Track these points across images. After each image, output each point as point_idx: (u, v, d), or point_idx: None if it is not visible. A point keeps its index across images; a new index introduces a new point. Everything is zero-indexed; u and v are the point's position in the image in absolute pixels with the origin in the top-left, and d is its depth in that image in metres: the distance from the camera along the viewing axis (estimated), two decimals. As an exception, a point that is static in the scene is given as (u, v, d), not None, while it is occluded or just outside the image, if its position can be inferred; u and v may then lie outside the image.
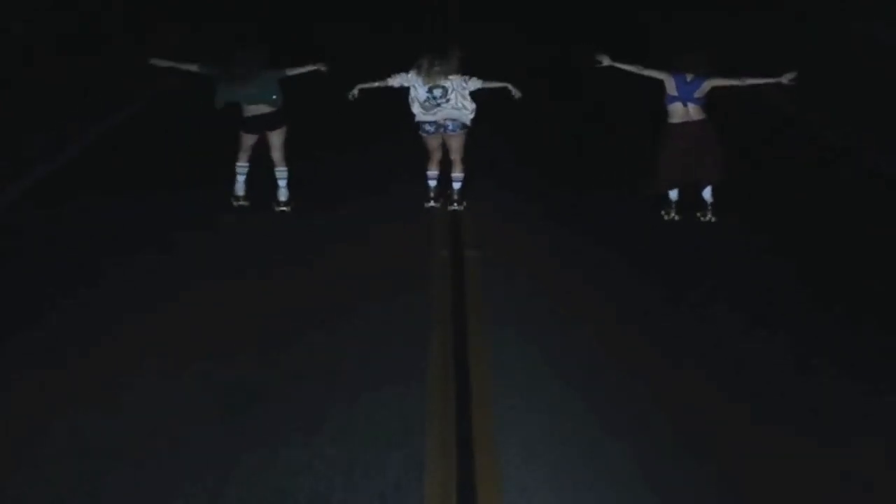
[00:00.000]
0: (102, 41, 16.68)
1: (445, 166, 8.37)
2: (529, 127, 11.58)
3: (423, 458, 4.68)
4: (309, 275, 6.96)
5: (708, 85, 7.72)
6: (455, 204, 8.39)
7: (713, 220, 8.04)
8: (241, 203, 8.22)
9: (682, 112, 7.76)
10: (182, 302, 6.46)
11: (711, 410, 5.18)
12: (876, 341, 6.03)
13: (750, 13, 19.30)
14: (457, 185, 8.38)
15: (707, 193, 8.05)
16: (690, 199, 8.09)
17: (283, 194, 8.29)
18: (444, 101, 7.95)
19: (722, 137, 7.94)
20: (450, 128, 8.08)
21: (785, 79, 7.86)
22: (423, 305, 6.46)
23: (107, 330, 6.03)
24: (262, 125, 8.02)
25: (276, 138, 8.09)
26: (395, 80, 7.99)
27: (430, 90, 7.92)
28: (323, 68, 8.16)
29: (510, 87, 8.22)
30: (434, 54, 7.97)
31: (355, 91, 8.11)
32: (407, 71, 7.98)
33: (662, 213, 8.10)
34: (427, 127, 8.09)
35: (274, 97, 7.95)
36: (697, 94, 7.73)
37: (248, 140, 8.09)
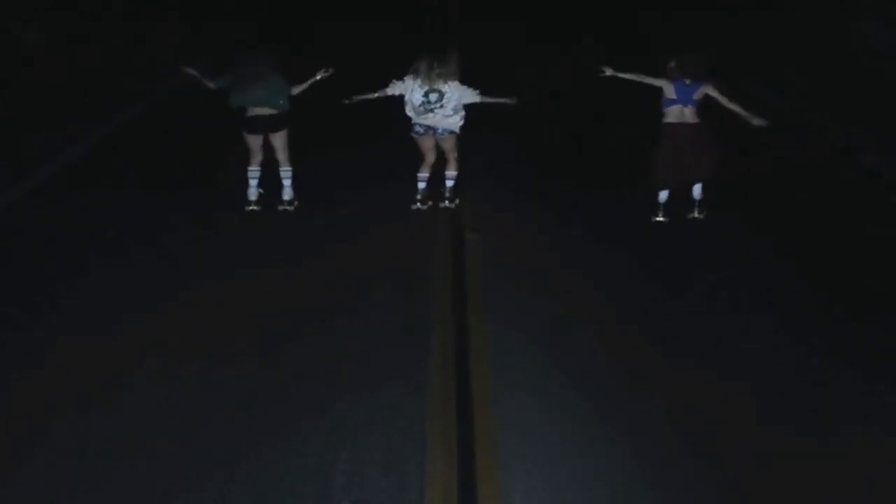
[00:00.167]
0: (103, 41, 16.69)
1: (438, 167, 8.35)
2: (529, 127, 11.59)
3: (423, 457, 4.68)
4: (309, 275, 6.96)
5: (703, 90, 7.82)
6: (447, 201, 8.41)
7: (702, 217, 8.10)
8: (253, 208, 8.20)
9: (678, 113, 7.82)
10: (182, 302, 6.46)
11: (711, 410, 5.17)
12: (876, 341, 6.02)
13: (749, 13, 19.29)
14: (450, 183, 8.40)
15: (697, 191, 8.10)
16: (682, 201, 8.10)
17: (287, 193, 8.31)
18: (438, 107, 7.94)
19: (717, 139, 7.95)
20: (439, 132, 8.09)
21: (755, 122, 7.90)
22: (424, 305, 6.46)
23: (107, 330, 6.03)
24: (264, 127, 8.01)
25: (279, 140, 8.10)
26: (393, 90, 7.98)
27: (426, 94, 7.91)
28: (326, 74, 8.11)
29: (508, 101, 8.25)
30: (433, 57, 7.96)
31: (354, 99, 8.08)
32: (402, 78, 7.96)
33: (652, 215, 8.12)
34: (418, 128, 8.09)
35: (281, 101, 7.95)
36: (696, 97, 7.80)
37: (254, 142, 8.07)
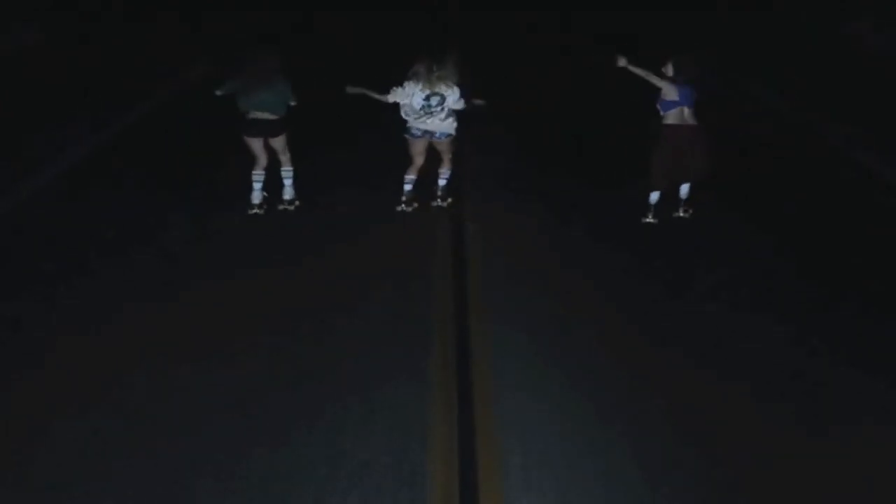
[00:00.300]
0: (103, 41, 16.70)
1: (427, 168, 8.34)
2: (529, 127, 11.61)
3: (424, 457, 4.68)
4: (309, 275, 6.96)
5: (695, 92, 7.86)
6: (440, 200, 8.42)
7: (687, 216, 8.15)
8: (256, 211, 8.19)
9: (679, 115, 7.80)
10: (182, 302, 6.45)
11: (711, 410, 5.18)
12: (876, 341, 6.03)
13: (747, 13, 19.33)
14: (442, 182, 8.42)
15: (684, 190, 8.15)
16: (669, 200, 8.13)
17: (287, 193, 8.32)
18: (439, 111, 7.93)
19: (712, 140, 7.95)
20: (437, 135, 8.08)
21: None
22: (424, 305, 6.46)
23: (107, 330, 6.03)
24: (263, 131, 8.00)
25: (279, 143, 8.10)
26: (394, 97, 7.92)
27: (427, 97, 7.89)
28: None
29: (482, 103, 8.36)
30: (432, 59, 7.95)
31: (355, 90, 8.08)
32: (402, 84, 7.91)
33: (642, 216, 8.13)
34: (415, 131, 8.05)
35: (285, 107, 7.93)
36: (694, 98, 7.80)
37: (255, 144, 8.05)
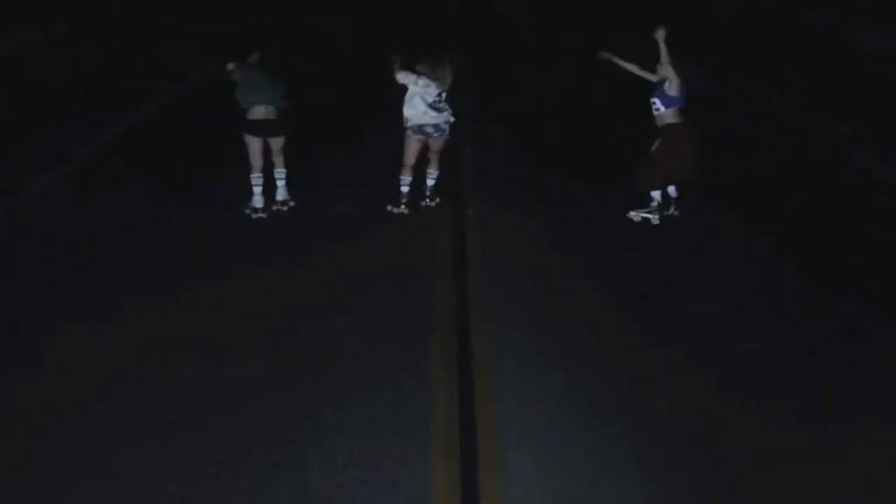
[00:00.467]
0: (102, 41, 16.71)
1: (419, 169, 8.38)
2: (530, 127, 11.61)
3: (425, 458, 4.68)
4: (309, 274, 6.96)
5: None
6: (428, 200, 8.45)
7: (678, 214, 8.20)
8: (261, 215, 8.19)
9: (680, 113, 7.78)
10: (182, 302, 6.46)
11: (711, 410, 5.18)
12: (876, 341, 6.03)
13: (749, 14, 19.33)
14: (431, 182, 8.45)
15: (673, 189, 8.17)
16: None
17: (281, 194, 8.32)
18: (444, 107, 7.97)
19: (705, 140, 7.97)
20: (438, 132, 8.07)
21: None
22: (424, 305, 6.46)
23: (107, 330, 6.03)
24: (265, 130, 7.98)
25: (277, 144, 8.09)
26: (406, 79, 7.93)
27: (439, 94, 7.93)
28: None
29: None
30: (434, 60, 7.95)
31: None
32: (416, 78, 7.94)
33: (644, 214, 8.13)
34: (428, 129, 8.04)
35: (282, 104, 7.92)
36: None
37: (255, 144, 8.04)
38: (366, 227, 7.96)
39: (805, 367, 5.69)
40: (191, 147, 10.24)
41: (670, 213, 8.22)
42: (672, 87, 7.68)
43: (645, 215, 8.11)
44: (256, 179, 8.15)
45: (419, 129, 8.04)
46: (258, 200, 8.20)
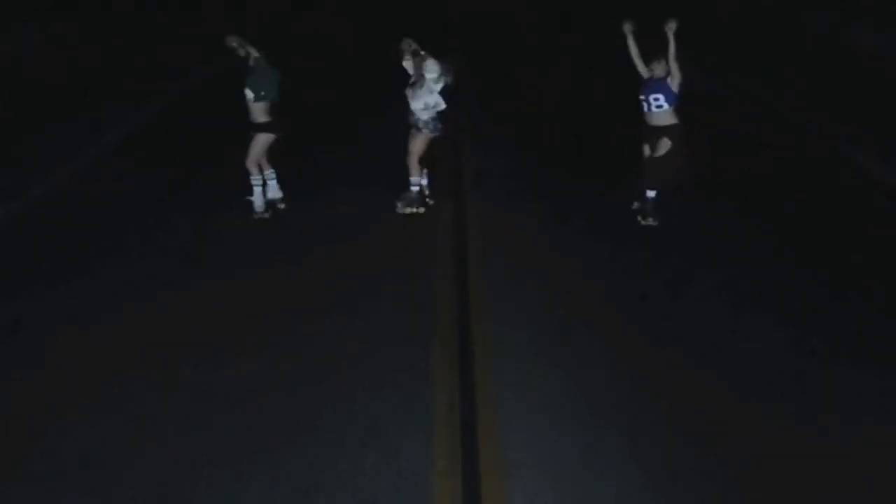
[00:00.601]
0: (102, 41, 16.71)
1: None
2: (530, 127, 11.61)
3: (426, 458, 4.68)
4: (309, 274, 6.96)
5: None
6: (428, 199, 8.45)
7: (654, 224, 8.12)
8: (265, 216, 8.20)
9: (676, 112, 7.78)
10: (182, 302, 6.46)
11: (711, 410, 5.18)
12: (876, 341, 6.03)
13: (749, 14, 19.33)
14: (425, 182, 8.47)
15: (653, 193, 8.09)
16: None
17: (273, 191, 8.32)
18: (425, 104, 8.04)
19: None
20: (423, 130, 8.09)
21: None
22: (424, 305, 6.46)
23: (107, 330, 6.04)
24: (276, 127, 7.97)
25: (276, 142, 8.09)
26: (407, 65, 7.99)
27: (445, 84, 8.00)
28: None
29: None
30: (416, 56, 7.98)
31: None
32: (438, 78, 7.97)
33: (639, 217, 8.11)
34: (439, 125, 8.08)
35: (272, 98, 7.91)
36: None
37: (268, 142, 8.04)
38: (366, 227, 7.96)
39: (805, 367, 5.69)
40: (191, 147, 10.24)
41: (648, 222, 8.09)
42: (675, 84, 7.64)
43: (651, 222, 8.07)
44: (256, 181, 8.14)
45: (438, 128, 8.13)
46: (259, 204, 8.18)
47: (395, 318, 6.23)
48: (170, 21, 19.96)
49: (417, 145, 8.12)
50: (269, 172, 8.26)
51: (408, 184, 8.26)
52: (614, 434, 4.92)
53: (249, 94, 7.81)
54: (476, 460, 4.68)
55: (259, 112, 7.87)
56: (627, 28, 7.75)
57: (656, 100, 7.72)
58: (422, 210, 8.26)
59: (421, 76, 7.89)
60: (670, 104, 7.70)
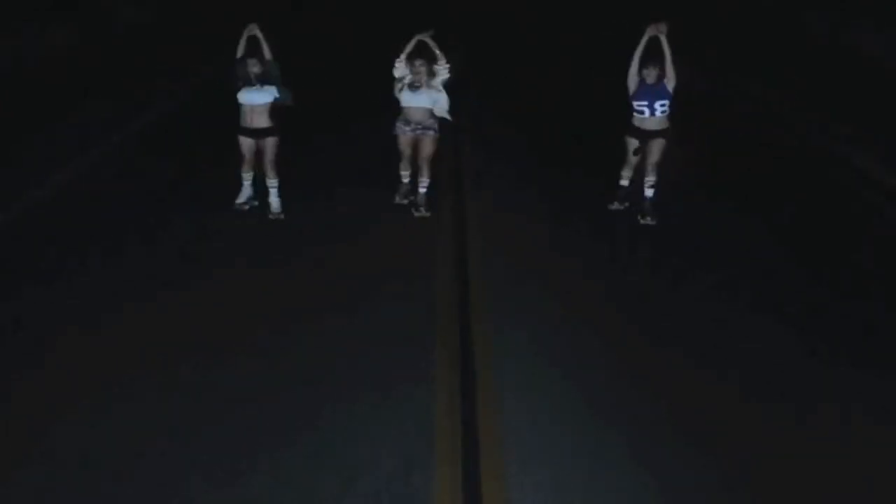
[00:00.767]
0: (102, 41, 16.70)
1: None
2: (530, 127, 11.61)
3: (427, 458, 4.68)
4: (309, 274, 6.96)
5: None
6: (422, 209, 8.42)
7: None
8: (243, 208, 8.20)
9: None
10: (182, 302, 6.45)
11: (711, 410, 5.18)
12: (876, 341, 6.03)
13: (749, 15, 19.32)
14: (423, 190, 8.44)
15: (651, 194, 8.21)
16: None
17: (248, 193, 8.33)
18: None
19: None
20: (417, 130, 8.15)
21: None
22: (424, 305, 6.46)
23: (107, 330, 6.03)
24: (254, 132, 7.96)
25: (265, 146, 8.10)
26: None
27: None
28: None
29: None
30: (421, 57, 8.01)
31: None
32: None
33: (638, 217, 8.18)
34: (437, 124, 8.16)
35: (274, 100, 7.90)
36: None
37: (246, 145, 8.06)
38: (366, 227, 7.96)
39: (805, 367, 5.69)
40: (191, 147, 10.24)
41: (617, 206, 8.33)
42: (671, 86, 7.69)
43: (650, 221, 8.10)
44: (250, 176, 8.17)
45: (439, 128, 8.17)
46: (244, 196, 8.22)
47: (395, 318, 6.23)
48: (169, 21, 19.96)
49: (430, 147, 8.12)
50: (270, 182, 8.17)
51: (418, 185, 8.31)
52: (614, 434, 4.92)
53: (285, 96, 7.81)
54: (476, 460, 4.68)
55: (267, 114, 7.86)
56: (661, 30, 7.65)
57: (662, 105, 7.78)
58: (427, 214, 8.25)
59: (425, 79, 7.88)
60: (671, 108, 7.76)
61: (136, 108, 12.25)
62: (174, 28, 19.44)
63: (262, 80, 7.76)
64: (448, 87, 8.08)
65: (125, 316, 6.22)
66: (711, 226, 8.12)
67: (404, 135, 8.10)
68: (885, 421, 5.10)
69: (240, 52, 7.83)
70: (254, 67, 7.72)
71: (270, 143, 7.93)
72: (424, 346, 5.86)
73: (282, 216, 8.13)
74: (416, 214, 8.23)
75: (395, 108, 8.12)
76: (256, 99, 7.80)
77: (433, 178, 8.33)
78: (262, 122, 7.87)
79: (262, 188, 8.20)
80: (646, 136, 7.93)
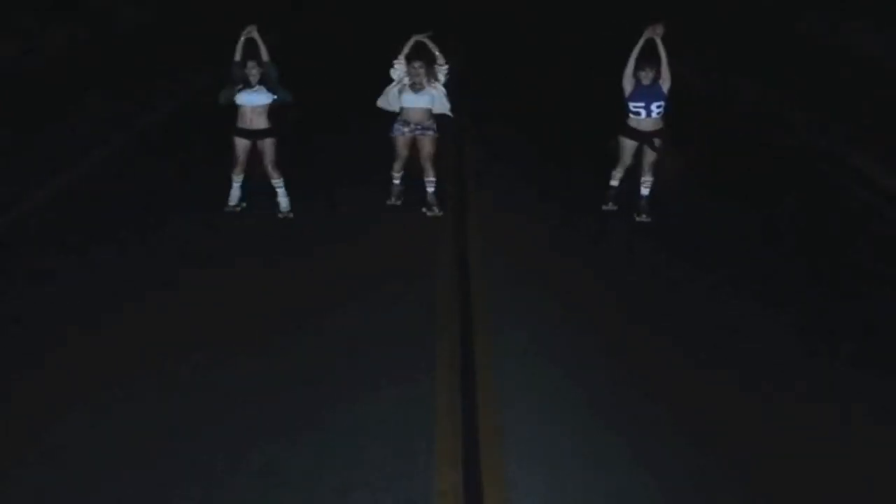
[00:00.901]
0: (103, 42, 16.71)
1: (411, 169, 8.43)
2: (530, 127, 11.62)
3: (427, 458, 4.68)
4: (309, 274, 6.96)
5: None
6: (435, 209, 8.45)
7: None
8: (235, 210, 8.21)
9: None
10: (182, 302, 6.45)
11: (712, 410, 5.17)
12: (877, 341, 6.03)
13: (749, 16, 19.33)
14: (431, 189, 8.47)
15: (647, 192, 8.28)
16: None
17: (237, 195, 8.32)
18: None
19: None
20: (414, 131, 8.18)
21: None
22: (425, 305, 6.46)
23: (107, 329, 6.03)
24: (251, 133, 7.96)
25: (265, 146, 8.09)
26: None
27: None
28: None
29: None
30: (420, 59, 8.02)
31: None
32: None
33: (634, 214, 8.23)
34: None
35: (273, 100, 7.90)
36: None
37: (240, 146, 8.07)
38: (366, 227, 7.96)
39: (805, 366, 5.69)
40: (191, 147, 10.24)
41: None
42: (666, 88, 7.73)
43: (645, 218, 8.13)
44: (237, 179, 8.17)
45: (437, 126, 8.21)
46: (238, 197, 8.22)
47: (395, 318, 6.23)
48: (170, 21, 19.97)
49: (430, 146, 8.13)
50: (276, 182, 8.16)
51: (425, 186, 8.31)
52: (614, 434, 4.92)
53: (284, 95, 7.83)
54: (476, 460, 4.67)
55: (266, 115, 7.86)
56: (658, 31, 7.68)
57: (658, 106, 7.82)
58: (440, 213, 8.26)
59: (424, 80, 7.89)
60: (667, 109, 7.81)
61: (137, 109, 12.26)
62: (174, 28, 19.45)
63: (261, 82, 7.77)
64: (448, 86, 8.08)
65: (125, 316, 6.22)
66: (711, 226, 8.12)
67: (403, 136, 8.10)
68: (885, 421, 5.10)
69: (237, 54, 7.84)
70: (252, 69, 7.74)
71: (269, 143, 7.93)
72: (424, 346, 5.85)
73: (290, 215, 8.14)
74: (429, 214, 8.25)
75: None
76: (256, 100, 7.80)
77: (438, 176, 8.33)
78: (262, 123, 7.87)
79: (255, 190, 8.20)
80: (642, 136, 7.94)
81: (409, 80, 7.91)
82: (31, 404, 5.15)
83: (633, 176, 8.21)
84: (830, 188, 9.40)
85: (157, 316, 6.23)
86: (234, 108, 7.91)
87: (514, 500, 4.39)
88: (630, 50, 7.81)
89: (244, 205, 8.22)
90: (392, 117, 8.15)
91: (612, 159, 8.30)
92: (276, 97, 7.84)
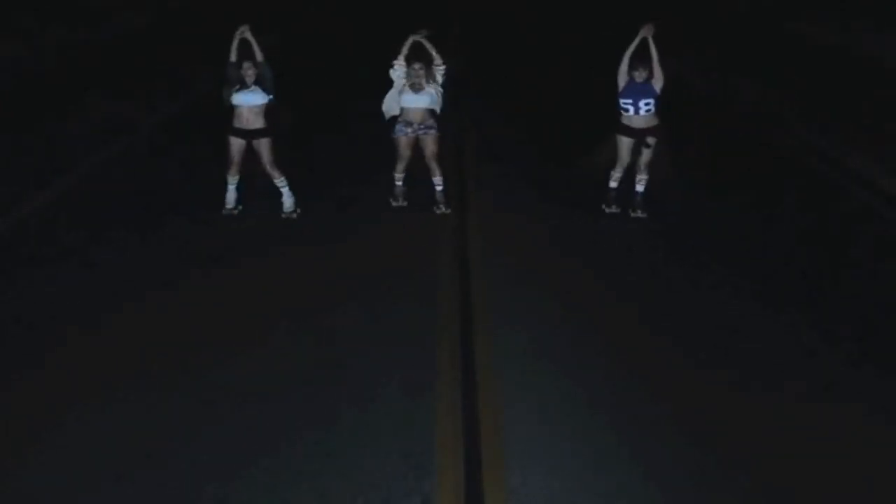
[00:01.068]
0: (103, 42, 16.71)
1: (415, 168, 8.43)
2: (530, 127, 11.62)
3: (428, 458, 4.68)
4: (309, 274, 6.96)
5: None
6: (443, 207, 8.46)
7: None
8: (233, 213, 8.21)
9: None
10: (182, 301, 6.46)
11: (712, 410, 5.17)
12: (876, 341, 6.03)
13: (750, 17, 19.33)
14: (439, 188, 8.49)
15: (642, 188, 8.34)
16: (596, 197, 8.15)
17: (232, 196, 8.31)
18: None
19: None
20: (419, 131, 8.18)
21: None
22: (426, 305, 6.46)
23: (107, 330, 6.03)
24: (246, 132, 7.96)
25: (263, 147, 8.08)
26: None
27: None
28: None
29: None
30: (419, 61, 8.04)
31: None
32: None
33: (629, 210, 8.29)
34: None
35: (265, 101, 7.90)
36: None
37: (235, 146, 8.08)
38: (366, 227, 7.96)
39: (805, 366, 5.69)
40: (191, 147, 10.24)
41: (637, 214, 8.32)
42: (658, 87, 7.78)
43: (641, 214, 8.18)
44: (232, 180, 8.17)
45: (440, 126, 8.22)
46: (234, 199, 8.22)
47: (395, 318, 6.23)
48: (170, 22, 19.98)
49: (434, 146, 8.14)
50: (279, 181, 8.17)
51: (434, 185, 8.33)
52: (614, 434, 4.92)
53: (268, 97, 7.82)
54: (476, 460, 4.67)
55: (262, 115, 7.86)
56: (648, 31, 7.76)
57: (646, 104, 7.87)
58: (448, 211, 8.28)
59: (424, 81, 7.90)
60: (656, 107, 7.85)
61: (137, 109, 12.27)
62: (174, 28, 19.45)
63: (257, 82, 7.78)
64: (447, 86, 8.09)
65: (125, 316, 6.23)
66: (711, 225, 8.12)
67: (406, 136, 8.10)
68: (885, 421, 5.10)
69: (232, 55, 7.84)
70: (248, 70, 7.75)
71: (265, 143, 7.93)
72: (424, 346, 5.86)
73: (294, 215, 8.14)
74: (438, 212, 8.31)
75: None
76: (252, 100, 7.81)
77: (444, 174, 8.35)
78: (258, 122, 7.88)
79: (255, 191, 8.21)
80: (635, 133, 7.97)
81: (409, 80, 7.92)
82: (31, 404, 5.15)
83: (630, 174, 8.22)
84: (830, 188, 9.40)
85: (157, 316, 6.23)
86: (231, 108, 7.92)
87: (515, 500, 4.39)
88: (625, 49, 7.87)
89: (240, 208, 8.22)
90: (393, 117, 8.16)
91: (610, 161, 8.31)
92: (272, 97, 7.84)
